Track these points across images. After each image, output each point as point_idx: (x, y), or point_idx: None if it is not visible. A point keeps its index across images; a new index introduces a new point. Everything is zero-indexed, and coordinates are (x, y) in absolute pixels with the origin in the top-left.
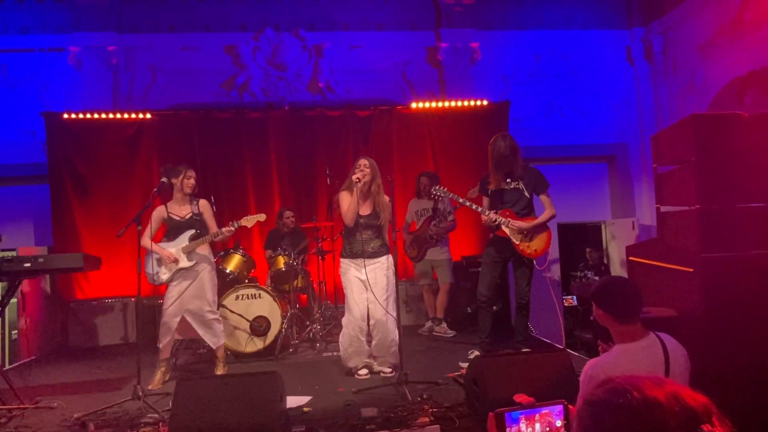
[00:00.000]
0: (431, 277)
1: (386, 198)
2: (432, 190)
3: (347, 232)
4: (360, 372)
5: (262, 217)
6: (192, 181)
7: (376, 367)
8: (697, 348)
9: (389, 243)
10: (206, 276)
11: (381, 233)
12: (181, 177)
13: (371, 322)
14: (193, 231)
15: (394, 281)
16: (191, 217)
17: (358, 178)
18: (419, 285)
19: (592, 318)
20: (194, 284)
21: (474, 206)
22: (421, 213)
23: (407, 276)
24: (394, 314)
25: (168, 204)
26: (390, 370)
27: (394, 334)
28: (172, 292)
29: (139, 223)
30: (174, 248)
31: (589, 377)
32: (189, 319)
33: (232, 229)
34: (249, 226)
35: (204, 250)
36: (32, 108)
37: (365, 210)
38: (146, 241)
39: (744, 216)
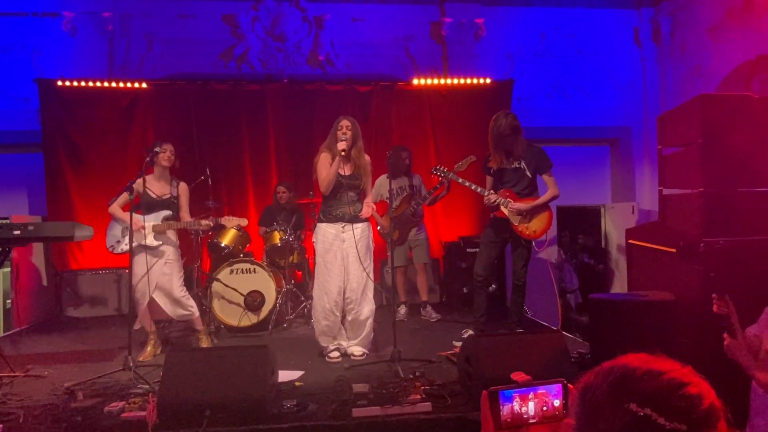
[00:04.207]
0: (408, 258)
1: (367, 158)
2: (432, 170)
3: (328, 195)
4: (331, 354)
5: (244, 221)
6: (167, 154)
7: (349, 349)
8: (696, 333)
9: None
10: (172, 258)
11: (361, 197)
12: (157, 151)
13: (347, 295)
14: (168, 212)
15: (372, 251)
16: (169, 198)
17: (343, 149)
18: (394, 267)
19: None
20: (161, 266)
21: (474, 187)
22: (398, 192)
23: None
24: (372, 286)
25: (146, 177)
26: (360, 353)
27: (371, 308)
28: (137, 269)
29: (131, 192)
30: (146, 224)
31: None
32: (158, 298)
33: (210, 224)
34: (228, 227)
35: (172, 234)
36: (25, 74)
37: (346, 170)
38: (116, 208)
39: (749, 200)
